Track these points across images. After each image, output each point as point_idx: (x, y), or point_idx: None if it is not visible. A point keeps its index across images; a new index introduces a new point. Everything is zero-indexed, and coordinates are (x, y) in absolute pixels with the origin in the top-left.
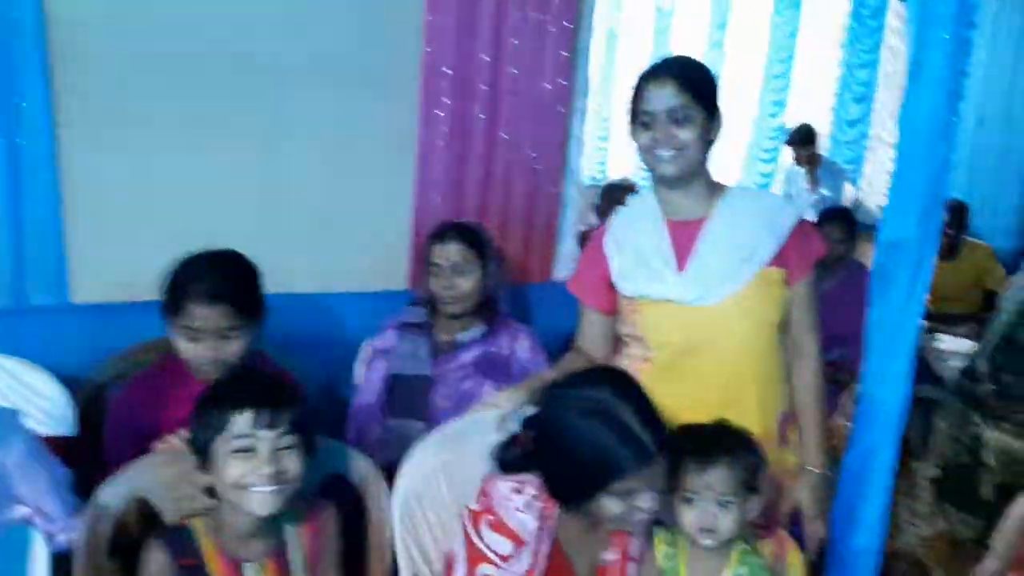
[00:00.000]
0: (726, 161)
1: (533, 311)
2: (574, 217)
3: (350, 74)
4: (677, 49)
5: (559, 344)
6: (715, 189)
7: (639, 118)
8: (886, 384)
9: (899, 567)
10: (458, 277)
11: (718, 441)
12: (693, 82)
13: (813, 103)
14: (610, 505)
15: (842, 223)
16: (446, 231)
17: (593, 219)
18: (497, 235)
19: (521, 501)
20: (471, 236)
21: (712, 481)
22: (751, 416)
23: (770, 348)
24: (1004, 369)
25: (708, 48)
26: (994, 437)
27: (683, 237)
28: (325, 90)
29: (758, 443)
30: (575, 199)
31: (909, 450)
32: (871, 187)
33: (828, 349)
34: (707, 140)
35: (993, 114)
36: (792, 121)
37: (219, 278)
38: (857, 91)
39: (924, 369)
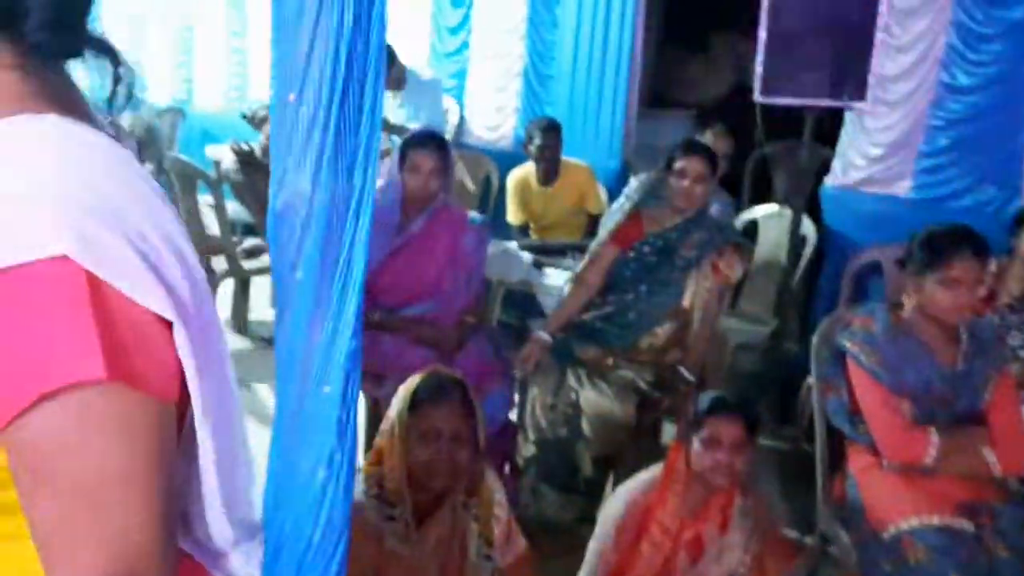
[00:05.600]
0: None
1: None
2: None
3: None
4: None
5: None
6: None
7: None
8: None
9: None
10: None
11: None
12: None
13: (410, 7)
14: None
15: (435, 151)
16: None
17: None
18: None
19: None
20: None
21: None
22: None
23: None
24: (603, 311)
25: None
26: (591, 401)
27: None
28: None
29: None
30: None
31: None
32: (476, 104)
33: (409, 306)
34: None
35: (589, 29)
36: (391, 30)
37: None
38: None
39: (532, 305)
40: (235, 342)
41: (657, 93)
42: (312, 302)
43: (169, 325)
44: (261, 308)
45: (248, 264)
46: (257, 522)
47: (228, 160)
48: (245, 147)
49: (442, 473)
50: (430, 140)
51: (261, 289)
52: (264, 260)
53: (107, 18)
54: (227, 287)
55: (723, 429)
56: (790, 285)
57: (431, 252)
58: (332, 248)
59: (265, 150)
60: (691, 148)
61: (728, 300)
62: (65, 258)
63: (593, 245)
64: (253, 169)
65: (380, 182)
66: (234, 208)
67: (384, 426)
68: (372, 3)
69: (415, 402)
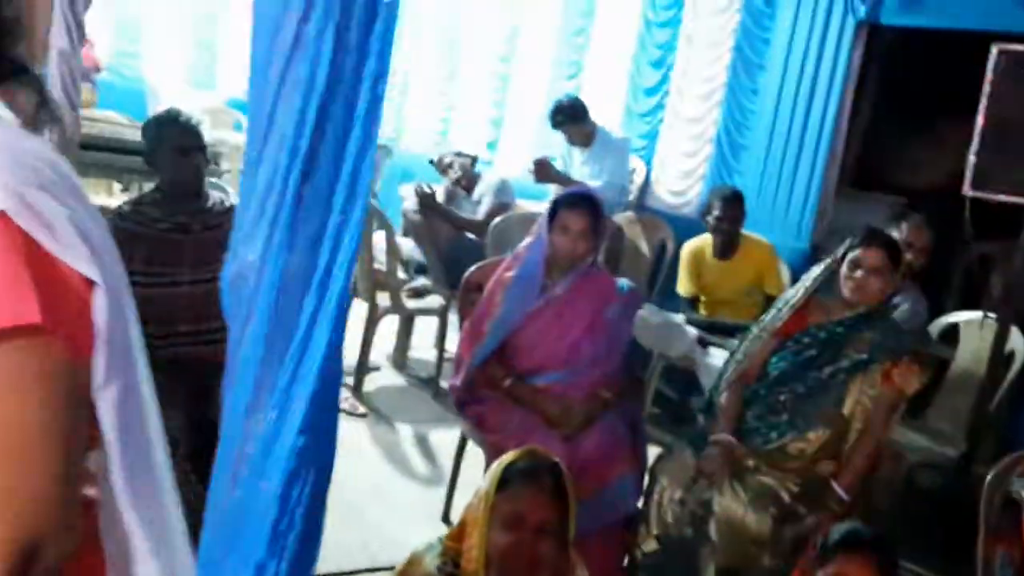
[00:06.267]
0: (520, 128)
1: None
2: None
3: None
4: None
5: None
6: None
7: None
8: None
9: None
10: None
11: None
12: None
13: (610, 65)
14: None
15: (586, 212)
16: None
17: None
18: None
19: None
20: None
21: None
22: None
23: None
24: (750, 405)
25: None
26: (723, 504)
27: None
28: None
29: None
30: None
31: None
32: (663, 167)
33: (541, 373)
34: None
35: (791, 99)
36: (588, 87)
37: None
38: (654, 54)
39: (693, 382)
40: (392, 379)
41: (865, 173)
42: (252, 386)
43: (92, 292)
44: (425, 347)
45: (411, 303)
46: None
47: (410, 200)
48: (428, 189)
49: (521, 564)
50: (582, 201)
51: (428, 327)
52: (429, 301)
53: None
54: (392, 324)
55: (851, 570)
56: (988, 404)
57: (571, 318)
58: (282, 328)
59: (447, 194)
60: (870, 238)
61: (900, 414)
62: (3, 214)
63: (756, 330)
64: (432, 212)
65: (528, 239)
66: (411, 247)
67: (472, 500)
68: (364, 58)
69: (504, 482)
